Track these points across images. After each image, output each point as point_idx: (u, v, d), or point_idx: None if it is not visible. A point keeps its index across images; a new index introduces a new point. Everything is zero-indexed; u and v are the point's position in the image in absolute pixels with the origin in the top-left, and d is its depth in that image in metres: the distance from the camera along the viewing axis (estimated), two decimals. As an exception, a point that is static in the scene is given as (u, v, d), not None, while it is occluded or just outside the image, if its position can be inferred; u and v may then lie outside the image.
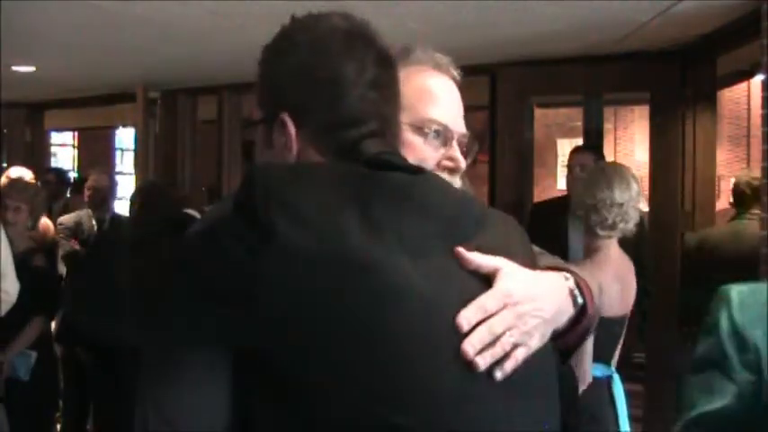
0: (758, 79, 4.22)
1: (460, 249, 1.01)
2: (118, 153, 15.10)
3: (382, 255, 0.92)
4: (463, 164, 1.33)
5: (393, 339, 0.90)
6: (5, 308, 3.57)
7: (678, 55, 4.68)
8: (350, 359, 0.89)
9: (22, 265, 3.74)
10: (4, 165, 6.90)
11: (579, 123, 5.95)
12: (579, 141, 5.36)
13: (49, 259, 4.28)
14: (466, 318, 0.95)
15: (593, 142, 5.21)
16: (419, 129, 1.29)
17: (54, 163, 12.70)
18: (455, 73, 1.38)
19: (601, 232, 2.93)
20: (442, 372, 0.93)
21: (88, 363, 4.47)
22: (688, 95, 4.69)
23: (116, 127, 11.81)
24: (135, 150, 7.44)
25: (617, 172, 3.01)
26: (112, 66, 5.60)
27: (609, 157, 6.20)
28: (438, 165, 1.30)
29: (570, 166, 4.40)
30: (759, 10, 3.44)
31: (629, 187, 2.93)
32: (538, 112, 5.70)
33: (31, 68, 5.72)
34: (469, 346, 0.94)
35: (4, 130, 7.50)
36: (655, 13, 3.90)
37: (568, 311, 1.09)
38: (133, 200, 4.44)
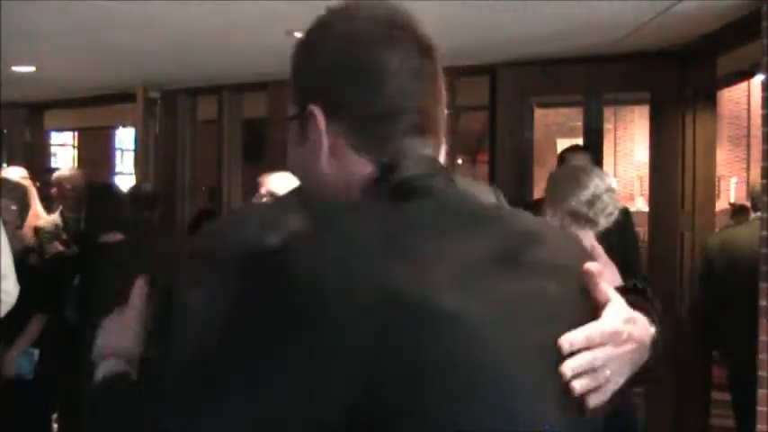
0: (758, 79, 4.22)
1: (592, 271, 0.97)
2: (118, 153, 15.11)
3: (446, 298, 0.84)
4: None
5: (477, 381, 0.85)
6: (5, 309, 3.58)
7: (678, 55, 4.68)
8: (439, 396, 0.82)
9: (19, 264, 3.74)
10: (5, 165, 6.90)
11: (579, 123, 5.95)
12: (579, 141, 5.36)
13: (43, 257, 4.29)
14: (569, 341, 0.92)
15: (594, 142, 5.21)
16: None
17: (54, 163, 12.72)
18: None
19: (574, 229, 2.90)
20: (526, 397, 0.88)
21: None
22: (688, 95, 4.69)
23: (116, 127, 11.83)
24: (135, 150, 7.43)
25: (577, 171, 2.99)
26: (112, 66, 5.60)
27: (609, 157, 6.20)
28: None
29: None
30: (759, 10, 3.44)
31: (587, 185, 2.87)
32: (538, 112, 5.70)
33: (31, 68, 5.71)
34: (569, 368, 0.91)
35: (4, 130, 7.50)
36: (655, 13, 3.90)
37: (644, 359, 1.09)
38: (83, 197, 4.42)
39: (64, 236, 4.76)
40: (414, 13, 1.01)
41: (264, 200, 4.16)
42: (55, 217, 5.03)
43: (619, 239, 3.36)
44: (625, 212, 4.56)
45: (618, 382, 0.99)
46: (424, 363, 0.81)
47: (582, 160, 4.16)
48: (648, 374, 1.09)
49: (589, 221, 2.86)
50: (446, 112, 1.04)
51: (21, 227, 4.28)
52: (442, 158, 1.02)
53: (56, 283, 4.31)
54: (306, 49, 1.03)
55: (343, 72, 0.97)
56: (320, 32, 1.02)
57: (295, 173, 1.07)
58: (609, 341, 0.98)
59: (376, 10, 1.00)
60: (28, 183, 5.11)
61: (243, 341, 0.83)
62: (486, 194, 1.59)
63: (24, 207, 4.22)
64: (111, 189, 4.63)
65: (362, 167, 0.97)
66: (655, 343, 1.08)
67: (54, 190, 5.25)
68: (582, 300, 0.98)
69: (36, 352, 4.02)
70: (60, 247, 4.66)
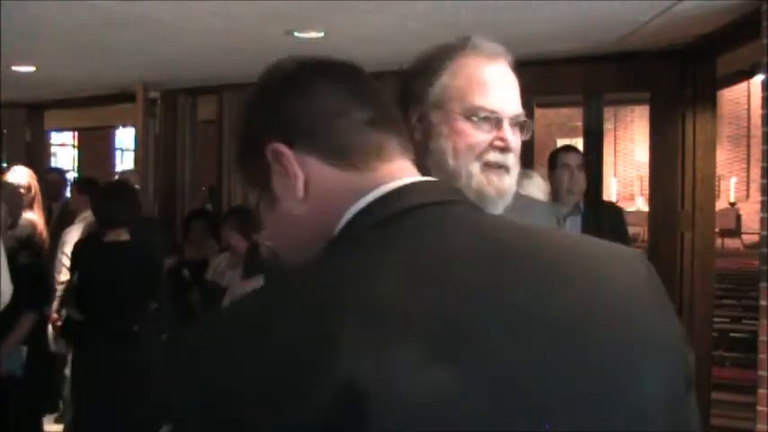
0: (758, 79, 4.23)
1: None
2: (118, 153, 15.13)
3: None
4: (513, 142, 1.43)
5: None
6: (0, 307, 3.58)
7: (678, 55, 4.68)
8: None
9: (9, 263, 3.75)
10: (4, 165, 6.90)
11: (579, 123, 5.95)
12: (579, 141, 5.36)
13: (34, 256, 4.29)
14: None
15: (594, 142, 5.21)
16: (468, 116, 1.41)
17: (54, 163, 12.73)
18: (509, 60, 1.50)
19: None
20: None
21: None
22: (688, 95, 4.69)
23: (116, 127, 11.85)
24: (135, 150, 7.43)
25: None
26: (112, 66, 5.60)
27: (609, 157, 6.20)
28: (490, 145, 1.41)
29: (555, 165, 4.27)
30: (759, 10, 3.44)
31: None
32: (538, 112, 5.70)
33: (31, 68, 5.72)
34: None
35: (4, 130, 7.50)
36: (655, 13, 3.90)
37: None
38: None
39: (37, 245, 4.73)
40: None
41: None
42: (27, 227, 4.98)
43: (611, 240, 3.36)
44: (618, 212, 4.57)
45: None
46: None
47: (573, 160, 4.14)
48: None
49: None
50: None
51: (13, 226, 4.29)
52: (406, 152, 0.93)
53: (45, 281, 4.33)
54: (243, 109, 0.97)
55: (285, 110, 0.91)
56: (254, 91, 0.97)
57: (280, 241, 0.95)
58: None
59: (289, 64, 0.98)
60: (34, 183, 5.13)
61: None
62: (539, 215, 1.62)
63: (14, 206, 4.22)
64: (118, 188, 4.65)
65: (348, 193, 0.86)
66: None
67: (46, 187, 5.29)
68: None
69: (24, 349, 4.03)
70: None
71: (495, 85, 1.44)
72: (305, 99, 0.91)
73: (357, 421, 0.65)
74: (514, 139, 1.44)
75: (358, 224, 0.83)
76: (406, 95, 1.49)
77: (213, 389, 0.69)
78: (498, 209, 1.44)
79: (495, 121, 1.42)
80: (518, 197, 1.55)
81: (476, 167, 1.42)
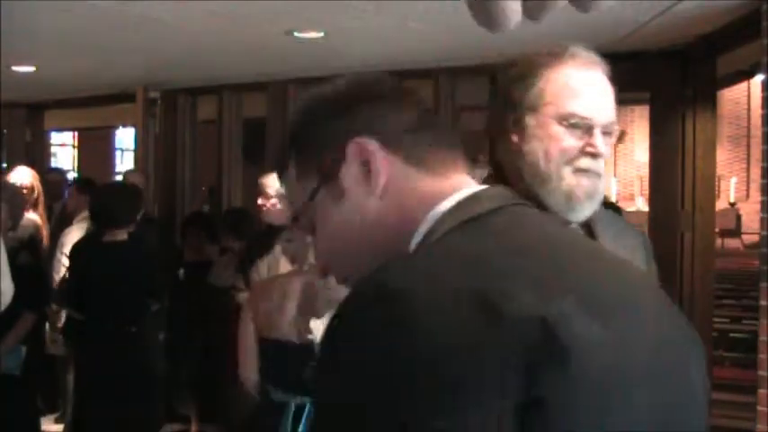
0: (758, 79, 4.23)
1: None
2: (118, 153, 15.12)
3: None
4: (602, 149, 1.49)
5: None
6: (2, 307, 3.58)
7: (678, 55, 4.68)
8: None
9: (9, 263, 3.75)
10: (4, 165, 6.90)
11: (579, 123, 5.94)
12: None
13: (34, 256, 4.30)
14: None
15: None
16: (561, 121, 1.48)
17: (54, 163, 12.73)
18: (605, 68, 1.55)
19: None
20: None
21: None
22: (688, 95, 4.69)
23: (116, 127, 11.83)
24: (135, 150, 7.43)
25: None
26: (112, 66, 5.61)
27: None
28: (581, 151, 1.48)
29: None
30: (759, 10, 3.44)
31: None
32: (538, 112, 5.70)
33: (31, 68, 5.72)
34: None
35: (4, 130, 7.51)
36: (655, 13, 3.90)
37: None
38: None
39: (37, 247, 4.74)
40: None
41: (273, 202, 4.14)
42: (29, 227, 4.98)
43: None
44: (615, 210, 4.58)
45: None
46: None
47: None
48: None
49: None
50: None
51: (14, 227, 4.29)
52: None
53: (45, 282, 4.33)
54: (306, 111, 1.00)
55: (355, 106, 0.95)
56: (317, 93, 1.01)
57: (340, 247, 0.96)
58: None
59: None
60: (36, 183, 5.13)
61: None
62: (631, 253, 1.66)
63: (15, 207, 4.22)
64: (117, 188, 4.65)
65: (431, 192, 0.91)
66: None
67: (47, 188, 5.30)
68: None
69: (23, 348, 4.04)
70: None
71: (588, 92, 1.51)
72: (395, 105, 0.96)
73: (559, 360, 0.70)
74: (605, 145, 1.50)
75: (446, 223, 0.87)
76: (502, 99, 1.57)
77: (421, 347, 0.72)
78: (586, 212, 1.51)
79: (586, 127, 1.49)
80: (615, 219, 1.67)
81: (567, 171, 1.49)
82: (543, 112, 1.50)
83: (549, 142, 1.48)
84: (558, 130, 1.49)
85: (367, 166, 0.91)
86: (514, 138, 1.52)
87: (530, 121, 1.51)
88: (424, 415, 0.70)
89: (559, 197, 1.48)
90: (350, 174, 0.92)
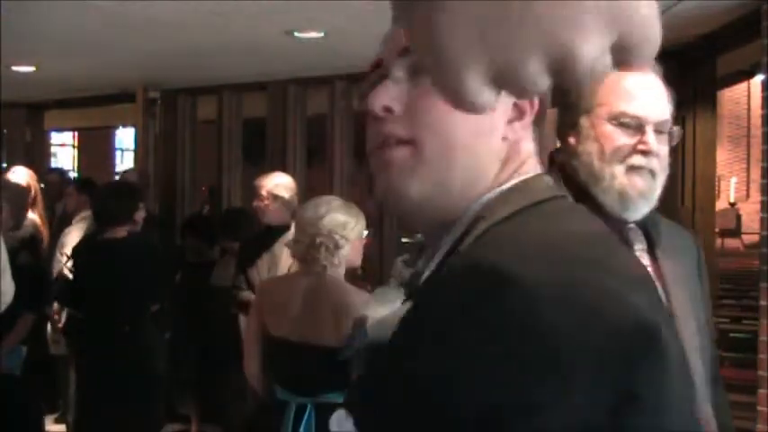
0: (758, 79, 4.23)
1: None
2: (118, 153, 15.13)
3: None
4: (654, 146, 1.54)
5: None
6: (2, 307, 3.58)
7: (678, 55, 4.68)
8: None
9: (9, 263, 3.75)
10: (4, 165, 6.90)
11: (579, 123, 5.95)
12: (579, 141, 5.36)
13: (34, 256, 4.30)
14: None
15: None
16: (613, 121, 1.53)
17: (54, 163, 12.73)
18: (656, 69, 1.61)
19: None
20: None
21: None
22: (688, 95, 4.69)
23: (116, 127, 11.84)
24: (135, 150, 7.44)
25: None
26: (112, 66, 5.61)
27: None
28: (634, 149, 1.52)
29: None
30: (759, 10, 3.44)
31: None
32: (538, 112, 5.70)
33: (31, 68, 5.72)
34: None
35: (4, 130, 7.51)
36: (655, 13, 3.90)
37: None
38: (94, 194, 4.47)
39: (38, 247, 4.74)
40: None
41: (266, 203, 4.15)
42: (29, 227, 4.98)
43: None
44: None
45: None
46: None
47: None
48: None
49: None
50: None
51: (17, 227, 4.29)
52: None
53: (45, 282, 4.34)
54: None
55: None
56: None
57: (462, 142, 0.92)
58: None
59: None
60: (33, 184, 5.12)
61: None
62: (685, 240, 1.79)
63: (18, 207, 4.22)
64: (118, 187, 4.66)
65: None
66: None
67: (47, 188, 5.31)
68: None
69: (24, 348, 4.04)
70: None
71: (639, 91, 1.57)
72: None
73: (654, 350, 0.76)
74: (658, 144, 1.55)
75: (527, 196, 0.90)
76: (560, 101, 1.61)
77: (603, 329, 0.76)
78: (641, 211, 1.55)
79: (638, 125, 1.54)
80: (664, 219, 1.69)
81: (620, 170, 1.53)
82: (596, 113, 1.55)
83: (603, 141, 1.53)
84: (610, 129, 1.53)
85: (521, 117, 0.93)
86: (571, 140, 1.58)
87: (584, 121, 1.56)
88: (528, 394, 0.74)
89: (613, 196, 1.52)
90: (504, 112, 0.91)
